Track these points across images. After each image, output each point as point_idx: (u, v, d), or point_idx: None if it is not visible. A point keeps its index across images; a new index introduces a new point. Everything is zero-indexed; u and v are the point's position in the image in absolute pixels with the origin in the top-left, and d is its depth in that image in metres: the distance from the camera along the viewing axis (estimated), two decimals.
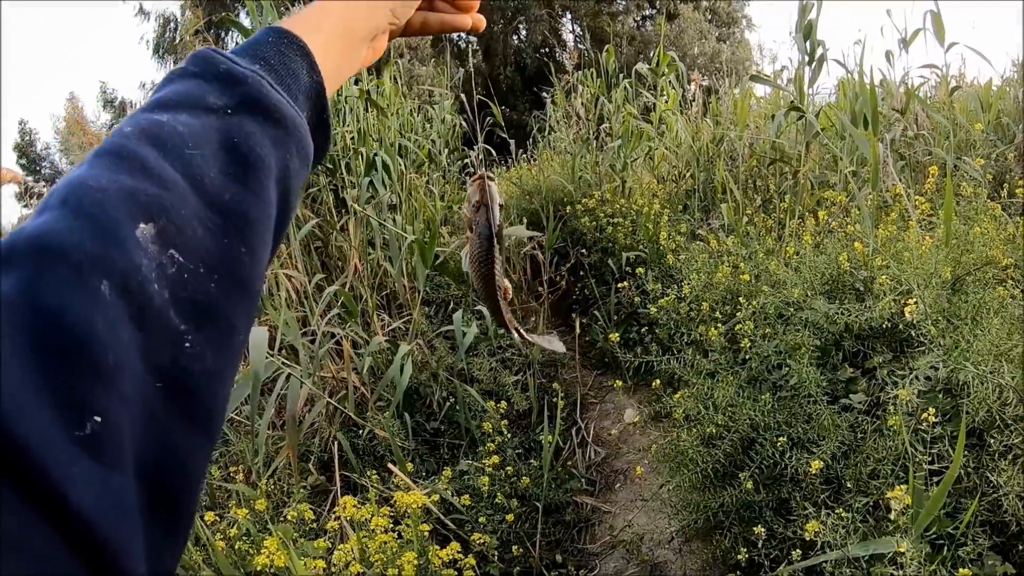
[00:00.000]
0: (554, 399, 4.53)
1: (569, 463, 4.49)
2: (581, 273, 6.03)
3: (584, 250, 6.01)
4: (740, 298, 3.89)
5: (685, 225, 5.45)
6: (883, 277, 3.28)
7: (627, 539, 4.07)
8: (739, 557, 2.86)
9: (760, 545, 2.89)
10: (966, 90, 6.12)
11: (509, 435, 4.22)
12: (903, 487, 2.17)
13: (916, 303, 2.95)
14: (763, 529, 2.80)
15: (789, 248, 4.11)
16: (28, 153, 33.31)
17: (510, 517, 3.73)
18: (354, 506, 3.08)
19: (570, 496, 4.26)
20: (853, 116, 4.84)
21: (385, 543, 2.96)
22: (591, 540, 4.20)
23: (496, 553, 3.52)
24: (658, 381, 3.89)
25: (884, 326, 3.18)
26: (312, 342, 4.05)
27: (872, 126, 4.31)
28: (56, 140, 33.78)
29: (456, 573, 3.06)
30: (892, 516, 2.16)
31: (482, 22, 0.90)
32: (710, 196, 6.10)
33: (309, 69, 0.65)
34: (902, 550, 2.10)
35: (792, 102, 4.92)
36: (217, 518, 3.33)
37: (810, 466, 2.82)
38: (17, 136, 33.18)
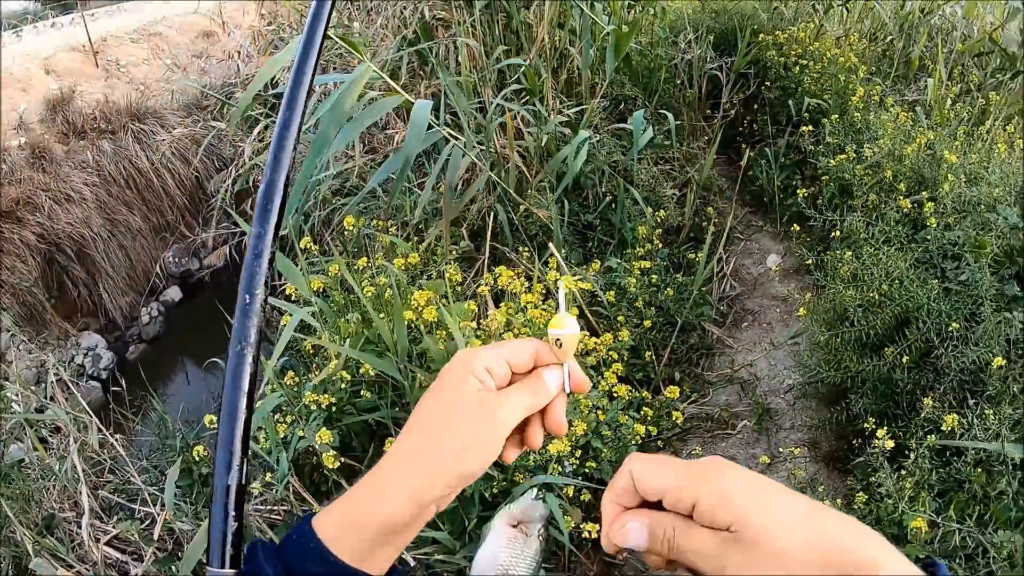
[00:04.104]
0: (705, 223, 4.44)
1: (704, 289, 4.45)
2: (755, 106, 5.76)
3: (766, 83, 5.70)
4: (930, 175, 3.74)
5: (878, 88, 5.10)
6: None
7: (744, 377, 4.08)
8: (865, 425, 2.82)
9: (888, 421, 2.87)
10: None
11: (659, 245, 4.18)
12: None
13: None
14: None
15: (1001, 147, 3.84)
16: None
17: (647, 323, 3.75)
18: (509, 277, 3.11)
19: (700, 321, 4.25)
20: None
21: (533, 320, 3.01)
22: (709, 368, 4.22)
23: (626, 355, 3.56)
24: (836, 232, 3.78)
25: None
26: (484, 113, 4.00)
27: None
28: None
29: (595, 363, 3.11)
30: None
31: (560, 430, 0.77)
32: (903, 67, 5.70)
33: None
34: None
35: None
36: (368, 264, 3.42)
37: (968, 359, 2.75)
38: None
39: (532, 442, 0.76)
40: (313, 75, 0.83)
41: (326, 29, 0.85)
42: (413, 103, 3.17)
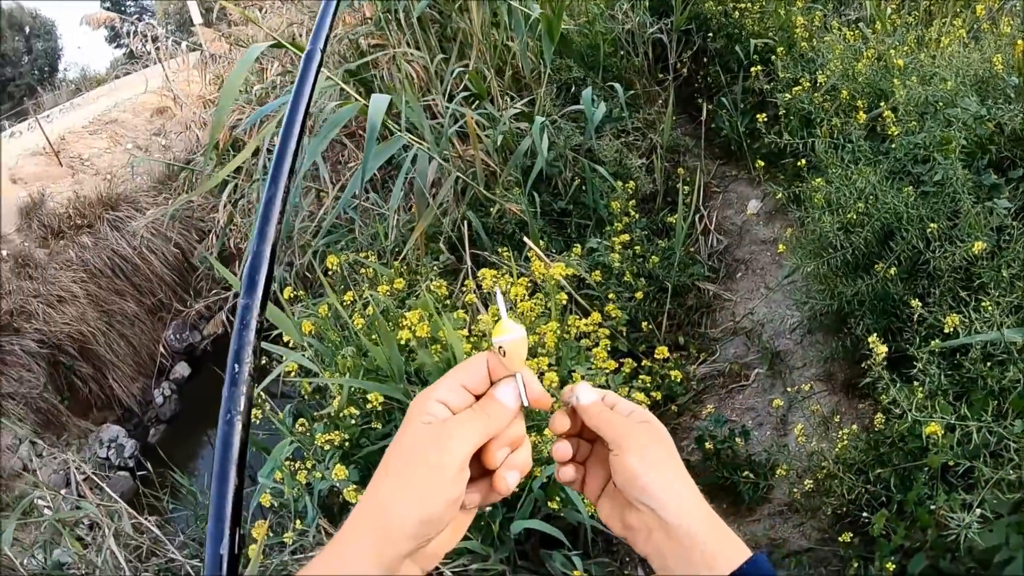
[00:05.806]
0: (678, 184, 4.44)
1: (692, 249, 4.45)
2: (705, 60, 5.75)
3: (710, 34, 5.70)
4: (887, 87, 3.70)
5: (819, 13, 5.09)
6: None
7: (748, 326, 4.08)
8: (871, 343, 2.79)
9: (892, 337, 2.85)
10: None
11: (636, 216, 4.18)
12: None
13: None
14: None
15: (944, 40, 3.82)
16: None
17: (639, 295, 3.75)
18: (493, 277, 3.12)
19: (693, 280, 4.25)
20: None
21: (524, 312, 3.01)
22: (712, 325, 4.21)
23: (624, 330, 3.56)
24: (801, 162, 3.76)
25: None
26: (439, 124, 4.01)
27: None
28: None
29: (592, 344, 3.11)
30: None
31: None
32: None
33: None
34: None
35: None
36: (355, 298, 3.44)
37: (955, 258, 2.73)
38: None
39: (490, 462, 0.70)
40: (296, 153, 0.82)
41: (307, 110, 0.84)
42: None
